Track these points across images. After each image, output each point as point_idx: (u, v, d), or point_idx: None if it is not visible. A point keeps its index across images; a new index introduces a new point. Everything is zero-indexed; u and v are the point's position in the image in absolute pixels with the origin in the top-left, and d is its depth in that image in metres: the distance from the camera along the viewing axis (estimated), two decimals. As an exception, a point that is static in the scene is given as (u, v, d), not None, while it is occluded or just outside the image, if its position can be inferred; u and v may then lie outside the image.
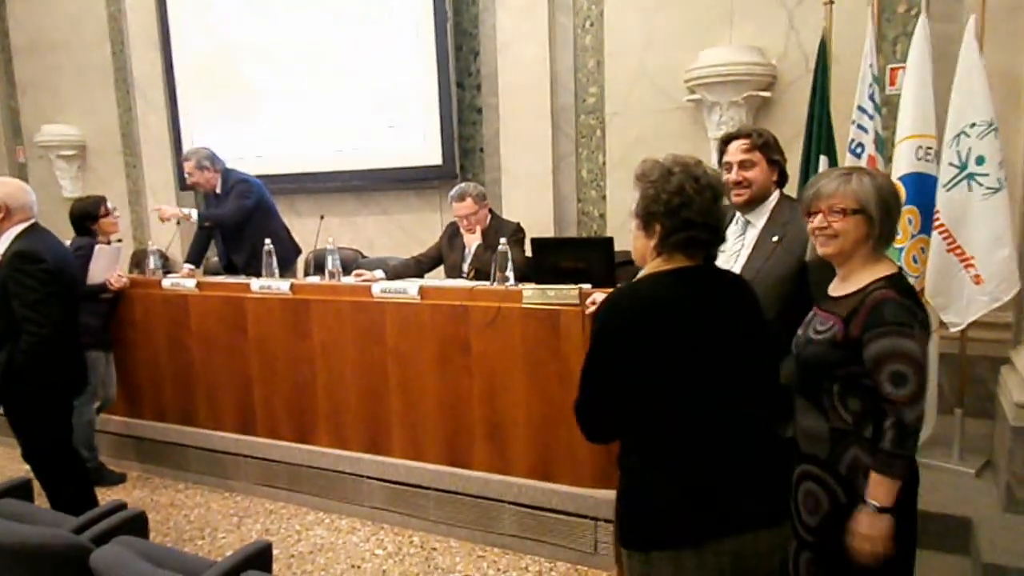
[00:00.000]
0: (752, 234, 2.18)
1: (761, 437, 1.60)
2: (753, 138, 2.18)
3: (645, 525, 1.54)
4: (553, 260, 3.17)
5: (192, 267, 4.41)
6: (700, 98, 4.12)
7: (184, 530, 3.45)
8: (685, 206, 1.52)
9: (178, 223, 4.51)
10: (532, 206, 4.53)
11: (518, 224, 3.78)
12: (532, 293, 2.99)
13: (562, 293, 2.92)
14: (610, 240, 3.21)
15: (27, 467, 3.10)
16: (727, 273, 1.73)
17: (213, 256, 4.70)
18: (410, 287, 3.28)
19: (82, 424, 3.59)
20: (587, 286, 2.95)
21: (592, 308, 2.80)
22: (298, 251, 4.53)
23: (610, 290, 2.83)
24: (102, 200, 3.82)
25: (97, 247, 3.73)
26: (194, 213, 4.33)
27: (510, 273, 3.13)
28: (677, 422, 1.50)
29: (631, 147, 4.48)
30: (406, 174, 5.06)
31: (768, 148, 2.18)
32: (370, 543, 3.26)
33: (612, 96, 4.52)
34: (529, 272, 3.30)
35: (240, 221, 4.20)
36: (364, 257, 4.63)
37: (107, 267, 3.83)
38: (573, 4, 4.53)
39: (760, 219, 2.17)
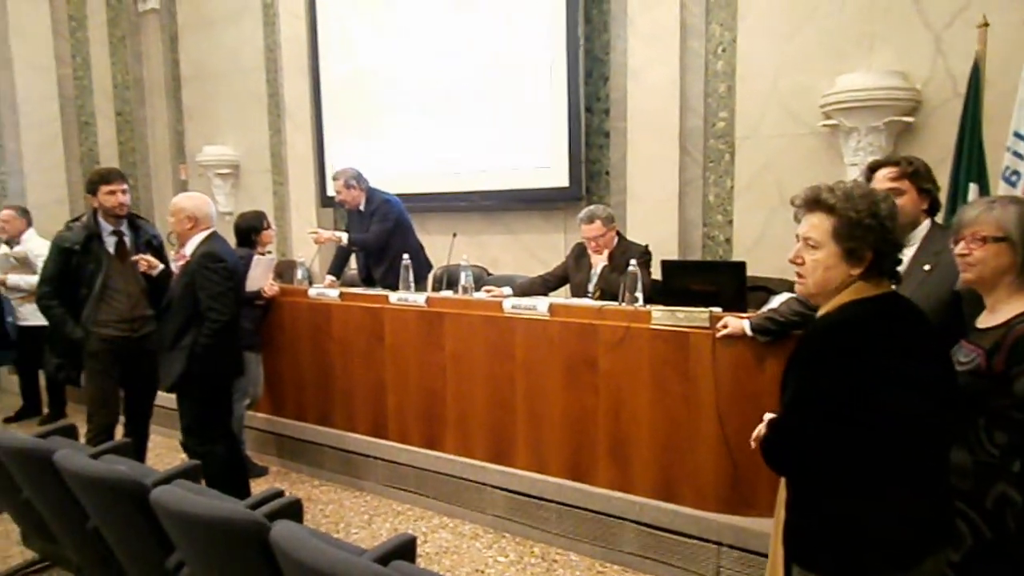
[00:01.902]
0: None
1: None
2: (902, 166, 2.15)
3: (858, 553, 1.49)
4: (683, 283, 3.20)
5: (334, 279, 4.73)
6: (837, 123, 4.04)
7: (320, 523, 3.69)
8: (894, 231, 1.53)
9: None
10: (657, 229, 4.56)
11: (646, 247, 3.83)
12: (661, 315, 3.03)
13: (692, 316, 2.95)
14: (742, 265, 3.21)
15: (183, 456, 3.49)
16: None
17: (351, 269, 5.03)
18: (540, 304, 3.40)
19: (235, 419, 3.93)
20: (717, 310, 2.96)
21: (724, 332, 2.83)
22: (430, 267, 4.77)
23: (741, 315, 2.86)
24: (263, 215, 4.21)
25: (255, 257, 4.09)
26: (344, 237, 4.65)
27: (639, 294, 3.19)
28: (903, 449, 1.47)
29: (760, 172, 4.44)
30: (533, 195, 5.22)
31: (918, 176, 2.15)
32: (492, 550, 3.38)
33: (742, 121, 4.50)
34: (655, 294, 3.35)
35: (383, 243, 4.47)
36: (489, 274, 4.82)
37: (262, 276, 4.19)
38: (705, 30, 4.55)
39: (909, 248, 2.14)
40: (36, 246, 5.08)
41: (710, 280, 3.20)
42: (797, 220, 1.66)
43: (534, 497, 3.41)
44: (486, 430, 3.59)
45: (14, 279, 5.20)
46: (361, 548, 2.00)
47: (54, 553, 3.10)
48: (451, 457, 3.70)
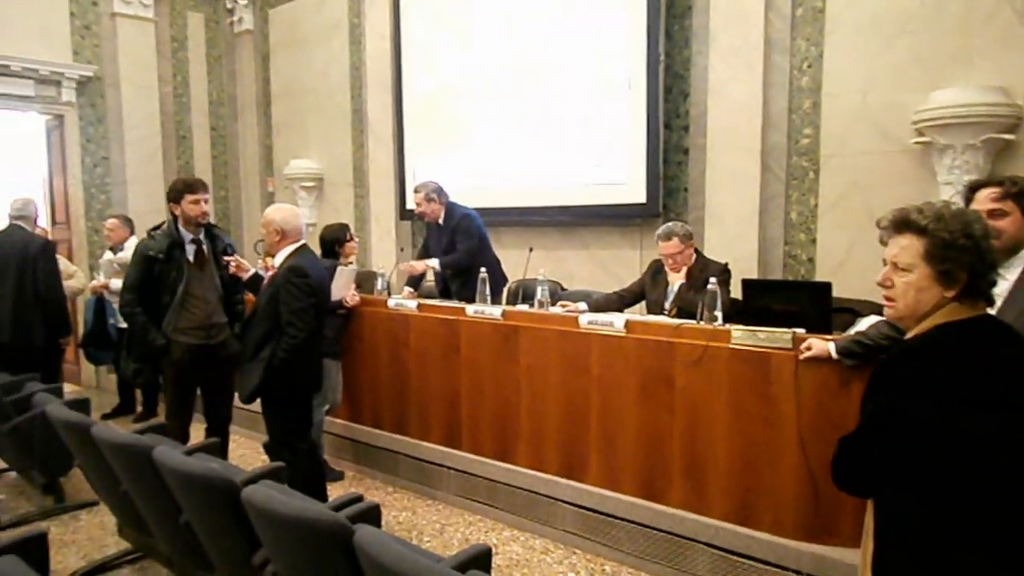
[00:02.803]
0: (1004, 286, 2.05)
1: None
2: (1006, 186, 2.06)
3: None
4: (764, 302, 3.14)
5: (411, 290, 4.84)
6: (930, 141, 3.89)
7: (393, 529, 3.76)
8: (990, 251, 1.49)
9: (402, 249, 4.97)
10: (735, 247, 4.48)
11: (725, 265, 3.77)
12: (742, 334, 2.98)
13: (774, 336, 2.89)
14: (828, 285, 3.12)
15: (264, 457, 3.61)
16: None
17: (428, 280, 5.13)
18: (616, 320, 3.39)
19: (314, 424, 4.05)
20: (801, 331, 2.89)
21: (808, 354, 2.75)
22: (505, 280, 4.82)
23: (826, 336, 2.78)
24: (347, 227, 4.35)
25: (338, 268, 4.23)
26: (435, 263, 4.67)
27: (719, 312, 3.15)
28: (997, 483, 1.43)
29: (847, 190, 4.31)
30: (610, 211, 5.21)
31: (1023, 197, 2.05)
32: (563, 565, 3.37)
33: (828, 137, 4.38)
34: (733, 313, 3.30)
35: (472, 260, 4.52)
36: (564, 289, 4.83)
37: (344, 286, 4.32)
38: (791, 45, 4.47)
39: (1013, 271, 2.04)
40: (136, 253, 5.39)
41: (793, 300, 3.12)
42: (883, 243, 1.63)
43: (606, 514, 3.39)
44: (559, 444, 3.60)
45: (116, 284, 5.53)
46: (438, 555, 2.04)
47: (147, 544, 3.27)
48: (523, 470, 3.72)
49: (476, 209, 4.88)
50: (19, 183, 7.35)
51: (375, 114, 6.75)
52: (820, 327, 2.94)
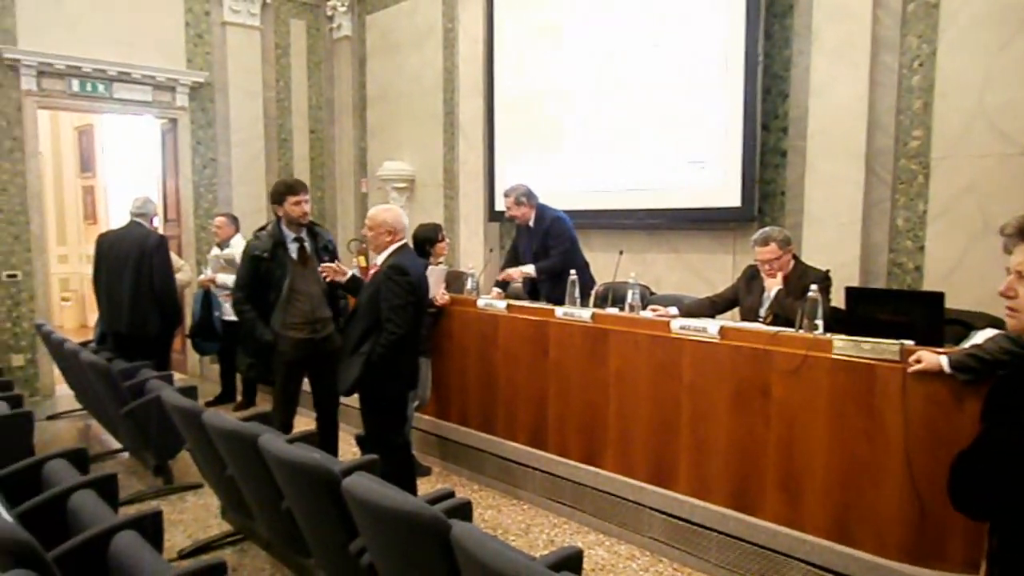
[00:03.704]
0: None
1: None
2: None
3: None
4: (869, 311, 3.01)
5: (500, 291, 4.88)
6: (1056, 142, 3.63)
7: (479, 527, 3.80)
8: None
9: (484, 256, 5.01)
10: (836, 254, 4.31)
11: (826, 272, 3.63)
12: (844, 344, 2.86)
13: (880, 347, 2.76)
14: (940, 295, 2.95)
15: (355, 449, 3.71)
16: None
17: (516, 282, 5.17)
18: (710, 326, 3.32)
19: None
20: (909, 342, 2.75)
21: (918, 367, 2.62)
22: (593, 283, 4.80)
23: (937, 349, 2.64)
24: (440, 228, 4.44)
25: (430, 268, 4.31)
26: (531, 269, 4.68)
27: (820, 321, 3.03)
28: None
29: (960, 195, 4.08)
30: (702, 215, 5.11)
31: None
32: (649, 573, 3.33)
33: (940, 139, 4.15)
34: (833, 322, 3.17)
35: (567, 263, 4.51)
36: (653, 294, 4.77)
37: (435, 285, 4.40)
38: (900, 43, 4.26)
39: None
40: (240, 250, 5.67)
41: (901, 310, 2.98)
42: (1008, 251, 1.53)
43: (695, 524, 3.33)
44: (647, 450, 3.55)
45: (222, 278, 5.84)
46: (528, 554, 2.05)
47: (248, 528, 3.43)
48: (610, 475, 3.70)
49: (565, 211, 4.88)
50: (138, 182, 7.89)
51: (466, 117, 6.86)
52: (931, 339, 2.79)
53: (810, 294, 3.08)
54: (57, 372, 6.23)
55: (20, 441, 3.74)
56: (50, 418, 5.99)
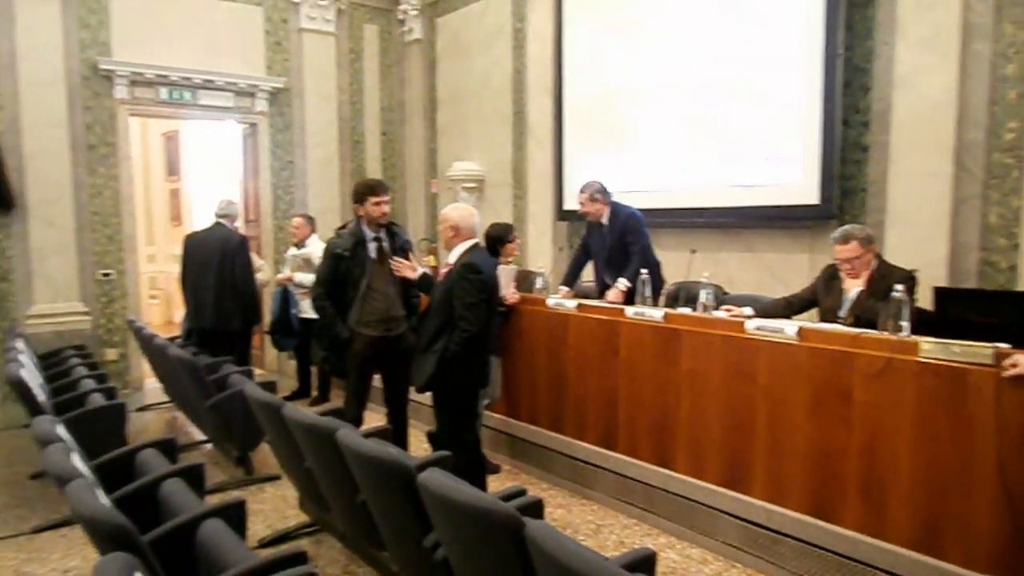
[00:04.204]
0: None
1: None
2: None
3: None
4: (960, 313, 2.87)
5: (568, 289, 4.87)
6: None
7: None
8: None
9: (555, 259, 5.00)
10: (922, 252, 4.12)
11: (911, 272, 3.48)
12: (933, 347, 2.74)
13: (972, 351, 2.63)
14: (1038, 296, 2.80)
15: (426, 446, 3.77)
16: None
17: (585, 281, 5.15)
18: (788, 327, 3.23)
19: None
20: (1005, 346, 2.61)
21: (1014, 371, 2.49)
22: (663, 283, 4.74)
23: (1036, 353, 2.49)
24: (511, 228, 4.48)
25: (500, 267, 4.34)
26: (624, 283, 4.50)
27: (905, 322, 2.91)
28: None
29: (1060, 190, 3.85)
30: (778, 213, 4.97)
31: None
32: (722, 578, 3.27)
33: (1038, 131, 3.93)
34: (918, 324, 3.03)
35: (648, 259, 4.45)
36: (725, 293, 4.67)
37: (505, 284, 4.43)
38: (993, 30, 4.04)
39: None
40: (317, 249, 5.84)
41: (994, 311, 2.84)
42: None
43: (770, 530, 3.25)
44: (720, 453, 3.48)
45: (300, 277, 6.04)
46: (600, 554, 2.04)
47: (325, 519, 3.53)
48: (682, 477, 3.64)
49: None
50: (220, 185, 8.23)
51: (535, 116, 6.87)
52: (1028, 342, 2.64)
53: (894, 294, 2.96)
54: (147, 366, 6.56)
55: (114, 430, 3.96)
56: (140, 409, 6.31)
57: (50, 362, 5.52)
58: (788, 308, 3.88)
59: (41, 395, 4.10)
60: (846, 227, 3.66)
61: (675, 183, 5.63)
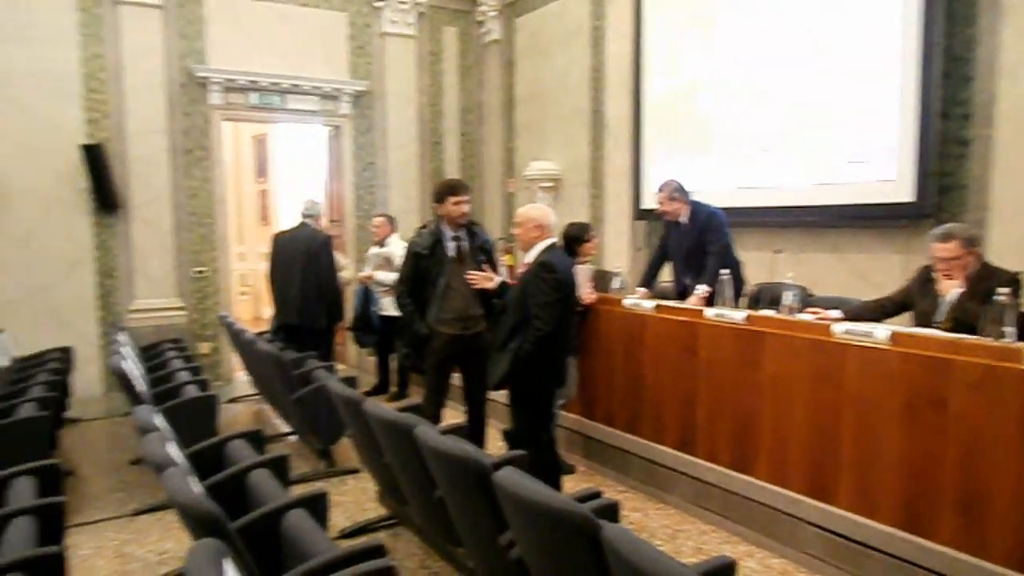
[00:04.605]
0: None
1: None
2: None
3: None
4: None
5: (645, 290, 4.81)
6: None
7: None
8: None
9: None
10: (1028, 253, 3.87)
11: (1016, 274, 3.27)
12: (1040, 355, 2.56)
13: (1085, 359, 2.45)
14: None
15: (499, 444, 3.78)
16: None
17: (662, 281, 5.07)
18: (878, 331, 3.09)
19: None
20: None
21: None
22: (744, 284, 4.61)
23: None
24: (589, 227, 4.45)
25: (577, 266, 4.33)
26: (702, 290, 4.39)
27: (1009, 328, 2.73)
28: None
29: None
30: (869, 211, 4.75)
31: None
32: (806, 590, 3.15)
33: None
34: (1021, 329, 2.85)
35: (728, 258, 4.37)
36: (810, 295, 4.50)
37: (582, 284, 4.41)
38: (1113, 13, 3.75)
39: None
40: (397, 248, 5.97)
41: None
42: None
43: (857, 542, 3.11)
44: (804, 460, 3.36)
45: (380, 275, 6.19)
46: (681, 562, 2.00)
47: (403, 513, 3.61)
48: (762, 484, 3.53)
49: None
50: (304, 186, 8.52)
51: (613, 115, 6.81)
52: None
53: (998, 297, 2.79)
54: (237, 359, 6.86)
55: (207, 420, 4.16)
56: (230, 401, 6.60)
57: (149, 354, 5.85)
58: (879, 311, 3.70)
59: (141, 385, 4.35)
60: (949, 225, 3.47)
61: (758, 181, 5.47)
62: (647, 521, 3.87)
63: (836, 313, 3.61)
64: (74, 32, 6.34)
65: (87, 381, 6.38)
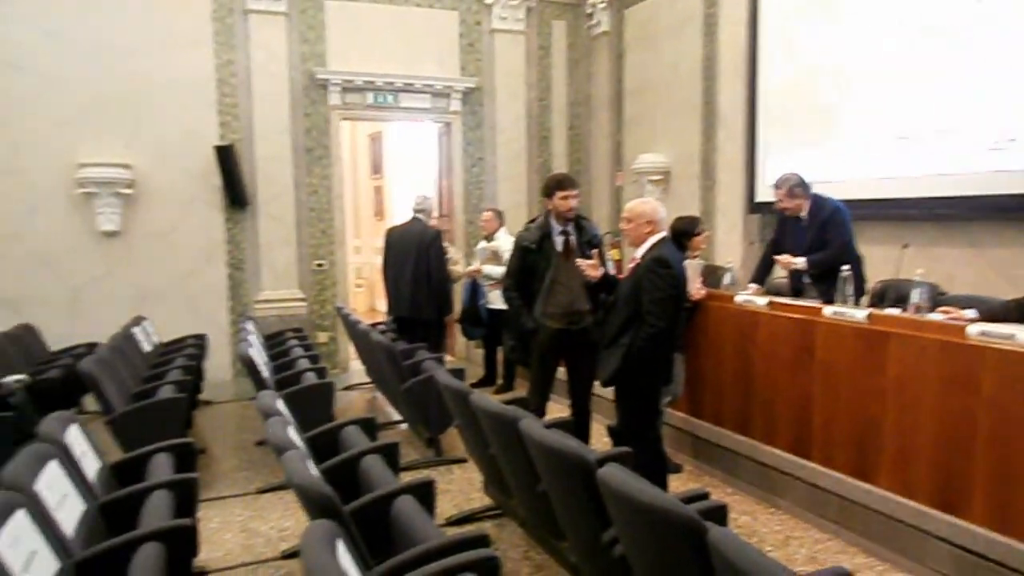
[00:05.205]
0: None
1: None
2: None
3: None
4: None
5: (758, 286, 4.63)
6: None
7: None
8: None
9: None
10: None
11: None
12: None
13: None
14: None
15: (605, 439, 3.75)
16: None
17: (776, 277, 4.87)
18: (1021, 334, 2.84)
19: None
20: None
21: None
22: (865, 280, 4.35)
23: None
24: (698, 221, 4.34)
25: (686, 262, 4.22)
26: (800, 262, 4.29)
27: None
28: None
29: None
30: (1012, 203, 4.36)
31: None
32: (932, 609, 2.95)
33: None
34: None
35: (848, 255, 4.18)
36: (943, 293, 4.18)
37: (691, 280, 4.30)
38: None
39: None
40: (504, 242, 6.04)
41: None
42: None
43: (992, 560, 2.88)
44: (932, 470, 3.14)
45: (488, 269, 6.29)
46: (793, 570, 1.93)
47: (507, 504, 3.65)
48: (884, 493, 3.33)
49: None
50: (416, 181, 8.79)
51: (726, 105, 6.59)
52: None
53: None
54: (352, 349, 7.17)
55: (324, 406, 4.38)
56: (345, 389, 6.91)
57: (273, 342, 6.22)
58: (1021, 312, 3.39)
59: (265, 372, 4.64)
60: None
61: (884, 171, 5.13)
62: (757, 526, 3.74)
63: (971, 313, 3.34)
64: (210, 41, 6.81)
65: (218, 366, 6.85)
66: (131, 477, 2.97)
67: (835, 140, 5.52)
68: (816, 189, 4.52)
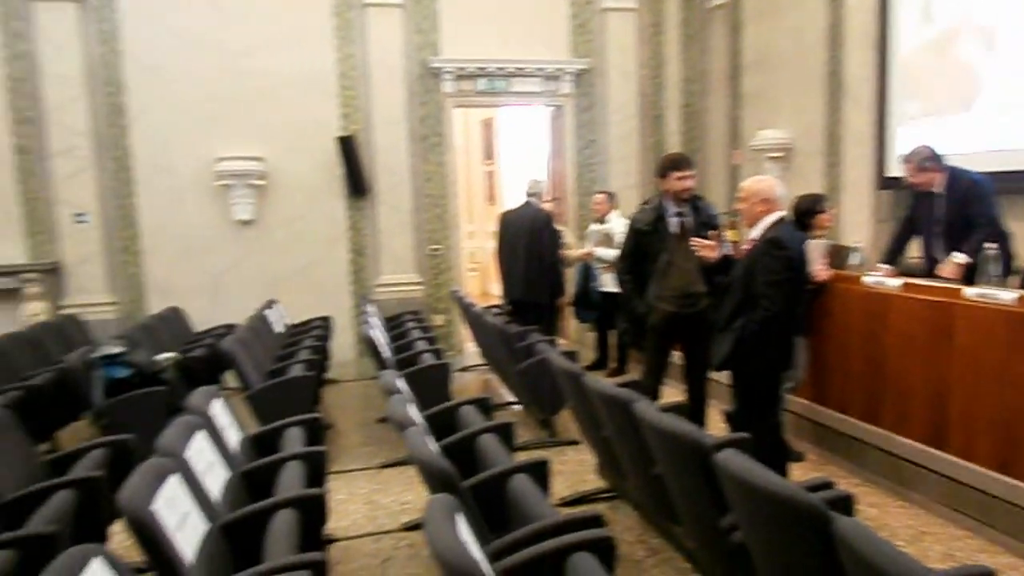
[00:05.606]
0: None
1: None
2: None
3: None
4: None
5: (889, 267, 4.36)
6: None
7: (861, 524, 3.49)
8: None
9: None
10: None
11: None
12: None
13: None
14: None
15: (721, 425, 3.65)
16: None
17: (909, 257, 4.57)
18: None
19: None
20: None
21: None
22: (1012, 259, 4.00)
23: None
24: (821, 199, 4.14)
25: (809, 241, 4.04)
26: (962, 258, 3.94)
27: None
28: None
29: None
30: None
31: None
32: (1089, 616, 2.71)
33: None
34: None
35: (996, 229, 3.90)
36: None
37: (814, 260, 4.11)
38: None
39: None
40: (616, 225, 6.00)
41: None
42: None
43: None
44: (1092, 468, 2.88)
45: (600, 252, 6.26)
46: (928, 567, 1.83)
47: (621, 487, 3.66)
48: (1034, 490, 3.08)
49: (988, 174, 4.12)
50: (527, 166, 8.84)
51: (853, 74, 6.19)
52: None
53: None
54: (466, 331, 7.35)
55: (441, 386, 4.53)
56: (460, 370, 7.09)
57: (392, 324, 6.47)
58: None
59: (386, 352, 4.85)
60: None
61: (1037, 139, 4.69)
62: (886, 518, 3.55)
63: None
64: (331, 36, 7.12)
65: (342, 347, 7.20)
66: (267, 448, 3.20)
67: (978, 107, 5.09)
68: (956, 161, 4.19)
